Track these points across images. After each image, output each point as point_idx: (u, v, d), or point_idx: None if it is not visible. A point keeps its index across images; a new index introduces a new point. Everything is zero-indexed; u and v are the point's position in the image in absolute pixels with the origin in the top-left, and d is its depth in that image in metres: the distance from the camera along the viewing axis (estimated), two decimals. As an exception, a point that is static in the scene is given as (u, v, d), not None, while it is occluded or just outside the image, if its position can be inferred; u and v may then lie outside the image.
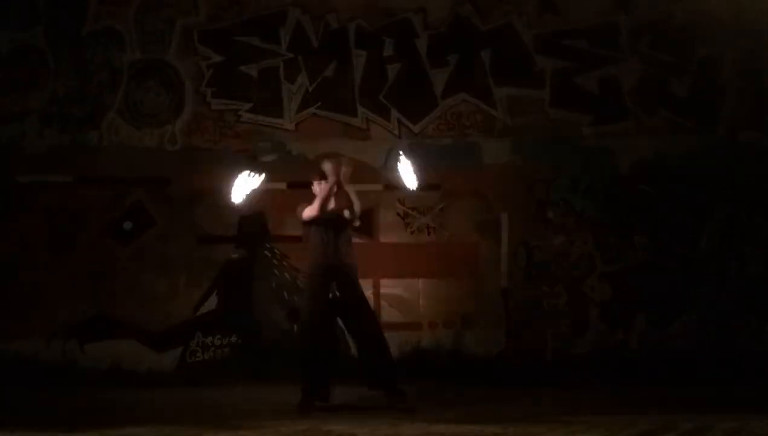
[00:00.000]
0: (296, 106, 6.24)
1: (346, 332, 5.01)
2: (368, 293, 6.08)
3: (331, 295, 4.73)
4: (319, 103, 6.25)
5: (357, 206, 4.85)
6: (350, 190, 4.87)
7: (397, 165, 5.04)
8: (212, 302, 6.12)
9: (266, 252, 6.18)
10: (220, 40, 6.22)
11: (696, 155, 6.26)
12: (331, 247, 4.75)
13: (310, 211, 4.78)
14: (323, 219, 4.77)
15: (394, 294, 6.16)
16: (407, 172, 4.98)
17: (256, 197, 5.08)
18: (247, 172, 4.95)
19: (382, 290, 6.15)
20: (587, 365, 6.03)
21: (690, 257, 6.22)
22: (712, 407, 4.80)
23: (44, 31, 6.14)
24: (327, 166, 4.84)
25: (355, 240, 6.01)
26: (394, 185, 5.10)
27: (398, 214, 6.22)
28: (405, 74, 6.26)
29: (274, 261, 6.18)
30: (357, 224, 5.00)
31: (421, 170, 5.06)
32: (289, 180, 6.16)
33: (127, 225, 6.10)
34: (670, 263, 6.21)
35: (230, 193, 4.94)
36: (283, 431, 4.29)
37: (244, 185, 4.93)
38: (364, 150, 6.18)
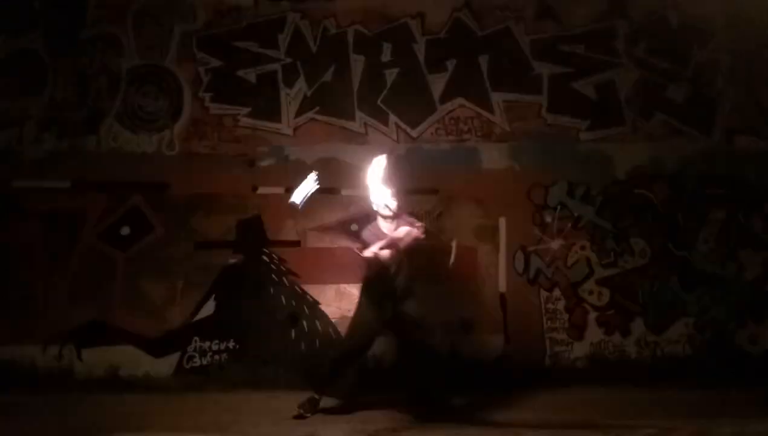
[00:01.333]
0: (294, 111, 6.24)
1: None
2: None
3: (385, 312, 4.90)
4: (318, 108, 6.25)
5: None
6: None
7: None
8: (210, 308, 6.08)
9: (264, 257, 6.16)
10: (219, 46, 6.21)
11: (693, 160, 6.29)
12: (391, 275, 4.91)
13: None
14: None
15: (392, 299, 6.13)
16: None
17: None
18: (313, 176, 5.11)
19: (381, 295, 6.13)
20: (585, 369, 6.04)
21: (687, 260, 6.23)
22: (710, 411, 4.81)
23: (42, 36, 6.12)
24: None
25: (353, 245, 6.07)
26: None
27: (396, 219, 6.21)
28: (403, 79, 6.27)
29: (272, 266, 6.17)
30: None
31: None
32: (287, 185, 6.16)
33: (125, 230, 6.08)
34: (667, 266, 6.22)
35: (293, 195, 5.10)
36: (282, 436, 4.30)
37: (305, 188, 5.09)
38: (362, 155, 6.16)
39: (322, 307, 6.10)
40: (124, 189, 6.09)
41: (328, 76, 6.25)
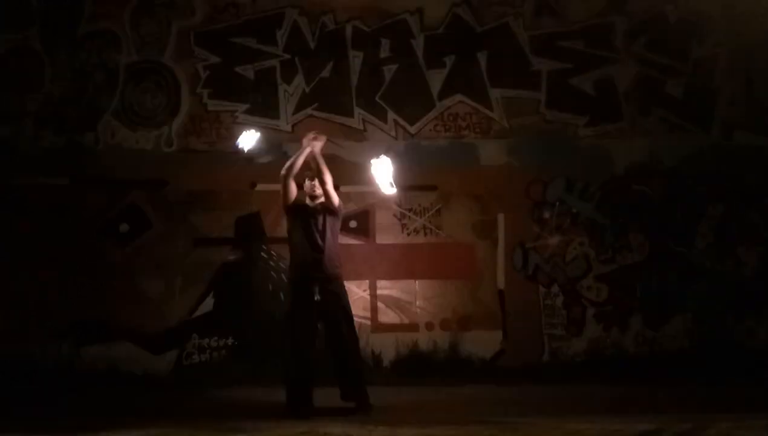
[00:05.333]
0: (293, 107, 6.24)
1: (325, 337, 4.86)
2: (365, 294, 6.13)
3: (317, 297, 4.68)
4: (316, 104, 6.24)
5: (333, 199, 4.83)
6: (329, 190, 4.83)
7: (376, 166, 4.97)
8: (208, 304, 6.09)
9: (262, 254, 6.16)
10: (217, 42, 6.20)
11: (691, 156, 6.29)
12: (312, 250, 4.74)
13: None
14: (305, 228, 4.77)
15: (390, 295, 6.16)
16: (384, 175, 4.92)
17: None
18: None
19: (379, 292, 6.15)
20: (583, 365, 6.06)
21: (685, 256, 6.24)
22: (707, 407, 4.82)
23: (40, 33, 6.10)
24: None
25: (352, 241, 6.07)
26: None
27: (395, 215, 6.22)
28: (401, 75, 6.25)
29: (271, 263, 6.17)
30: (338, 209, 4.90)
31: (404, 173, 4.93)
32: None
33: (124, 227, 6.08)
34: (665, 262, 6.23)
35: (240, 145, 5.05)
36: (281, 433, 4.30)
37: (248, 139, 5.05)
38: (360, 151, 6.17)
39: (321, 303, 6.09)
40: (123, 186, 6.09)
41: (326, 73, 6.25)
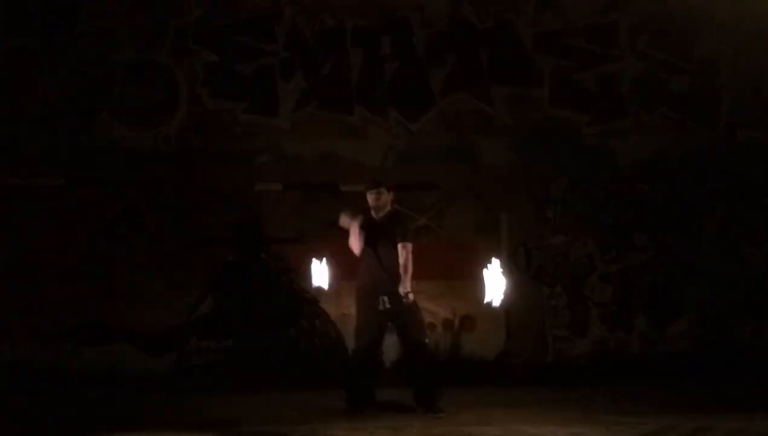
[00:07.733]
0: (292, 105, 6.18)
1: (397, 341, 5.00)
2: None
3: (381, 307, 4.70)
4: (316, 102, 6.18)
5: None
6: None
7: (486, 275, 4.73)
8: (207, 306, 6.05)
9: (262, 254, 6.11)
10: (215, 40, 6.15)
11: (695, 154, 6.24)
12: (379, 264, 4.74)
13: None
14: (372, 241, 4.77)
15: (392, 296, 6.09)
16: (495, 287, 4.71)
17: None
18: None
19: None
20: (587, 365, 6.01)
21: (689, 256, 6.19)
22: (713, 407, 4.80)
23: (37, 32, 6.04)
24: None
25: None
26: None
27: (396, 214, 6.16)
28: (402, 73, 6.20)
29: (270, 263, 6.12)
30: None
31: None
32: (285, 181, 6.10)
33: (122, 227, 6.03)
34: (669, 262, 6.18)
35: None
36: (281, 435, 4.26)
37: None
38: (360, 150, 6.12)
39: (322, 305, 6.05)
40: (121, 185, 6.03)
41: (326, 70, 6.19)
